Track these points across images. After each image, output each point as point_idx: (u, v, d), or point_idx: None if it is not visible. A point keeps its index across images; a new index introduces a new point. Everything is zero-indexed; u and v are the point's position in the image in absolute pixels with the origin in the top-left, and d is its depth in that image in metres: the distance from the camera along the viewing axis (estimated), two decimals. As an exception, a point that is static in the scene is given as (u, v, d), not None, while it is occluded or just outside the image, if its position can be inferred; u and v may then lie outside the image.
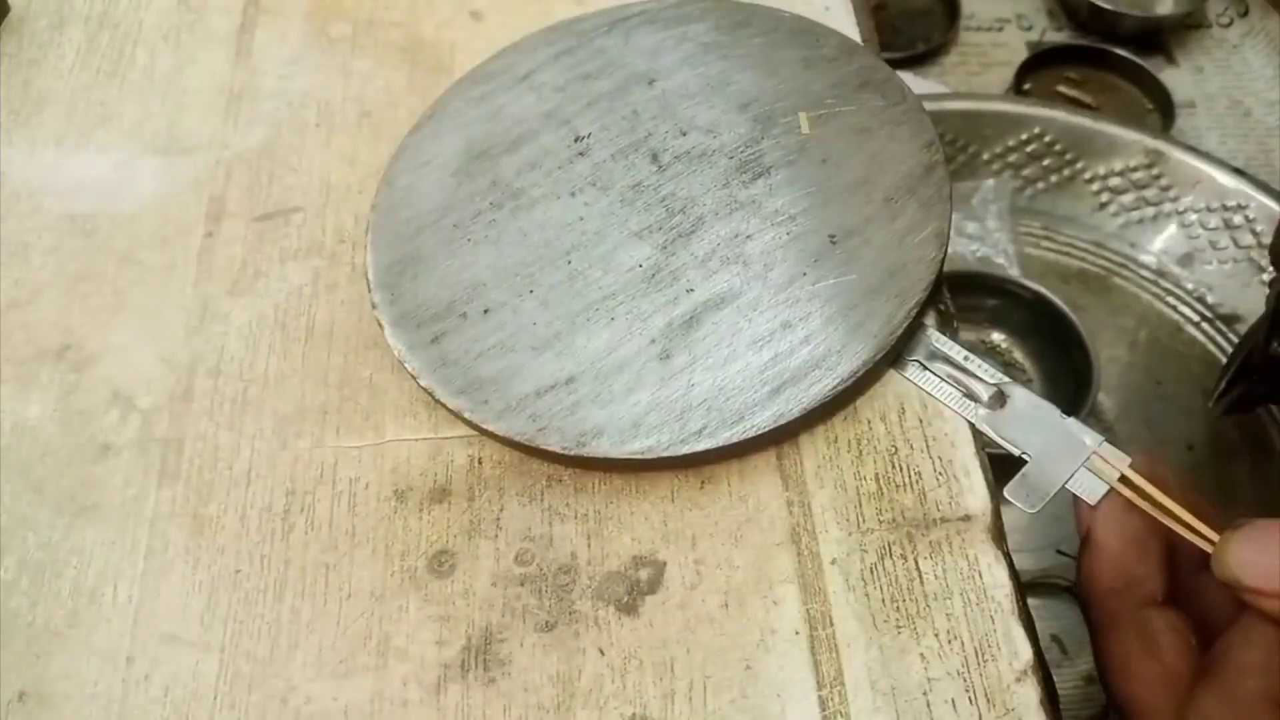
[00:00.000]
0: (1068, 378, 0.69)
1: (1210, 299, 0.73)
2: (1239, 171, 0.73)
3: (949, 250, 0.33)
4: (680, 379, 0.31)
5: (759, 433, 0.30)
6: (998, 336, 0.74)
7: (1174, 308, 0.74)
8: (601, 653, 0.29)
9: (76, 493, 0.33)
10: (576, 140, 0.36)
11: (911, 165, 0.34)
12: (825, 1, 0.41)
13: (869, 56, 0.37)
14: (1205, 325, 0.72)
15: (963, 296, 0.73)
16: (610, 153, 0.36)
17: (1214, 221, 0.74)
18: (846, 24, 0.41)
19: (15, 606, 0.31)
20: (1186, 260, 0.76)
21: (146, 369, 0.35)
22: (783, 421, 0.30)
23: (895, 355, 0.32)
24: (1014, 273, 0.74)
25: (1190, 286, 0.74)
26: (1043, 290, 0.71)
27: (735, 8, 0.39)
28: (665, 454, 0.30)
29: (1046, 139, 0.77)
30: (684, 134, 0.36)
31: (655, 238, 0.33)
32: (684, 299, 0.32)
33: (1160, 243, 0.76)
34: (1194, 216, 0.75)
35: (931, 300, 0.33)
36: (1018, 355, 0.74)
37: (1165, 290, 0.75)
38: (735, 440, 0.30)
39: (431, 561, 0.31)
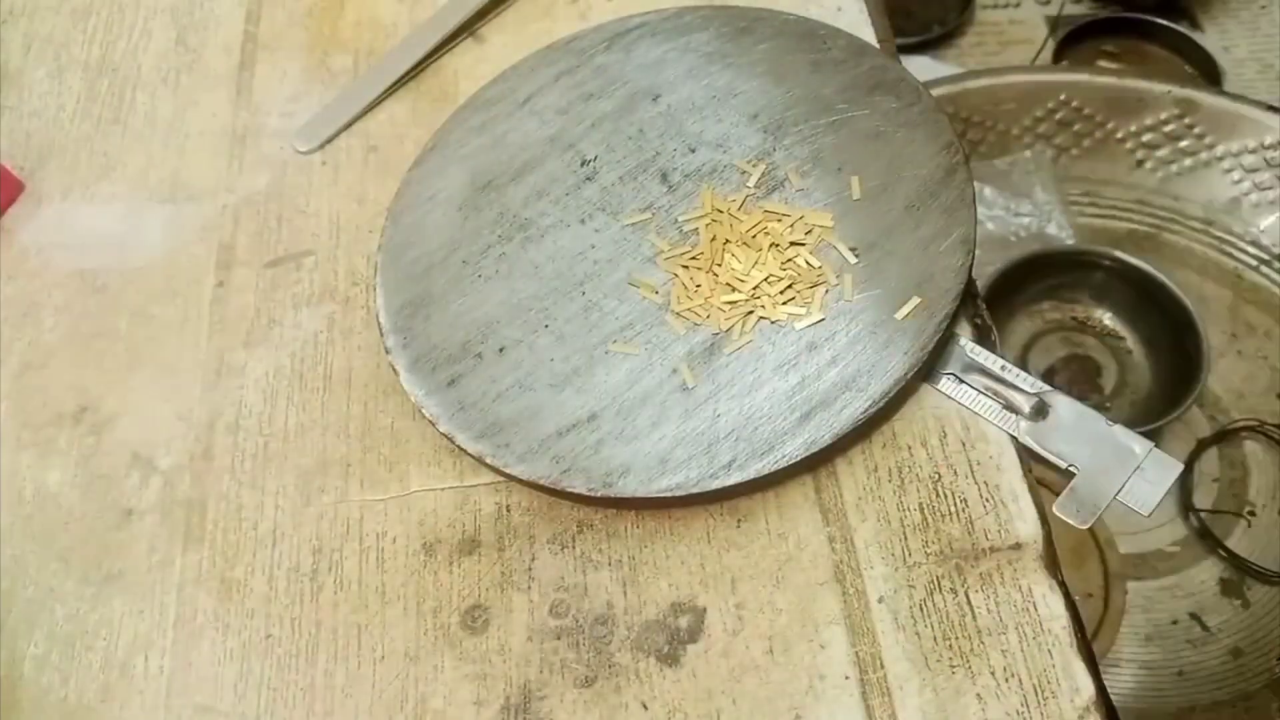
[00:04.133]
0: (1173, 356, 0.67)
1: (1264, 240, 0.71)
2: (1274, 108, 0.71)
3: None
4: (705, 409, 0.30)
5: (791, 462, 0.29)
6: (1101, 314, 0.71)
7: (1229, 255, 0.71)
8: (645, 707, 0.28)
9: (102, 560, 0.32)
10: (583, 164, 0.35)
11: (931, 169, 0.33)
12: (838, 2, 0.40)
13: (880, 57, 0.36)
14: (1265, 268, 0.70)
15: (1063, 274, 0.71)
16: (619, 175, 0.35)
17: (1255, 162, 0.72)
18: (861, 24, 0.39)
19: (47, 683, 0.31)
20: (1233, 205, 0.73)
21: (165, 428, 0.34)
22: (815, 449, 0.29)
23: (928, 371, 0.31)
24: (1068, 240, 0.71)
25: (1240, 230, 0.72)
26: (1146, 268, 0.68)
27: (737, 14, 0.37)
28: (696, 490, 0.29)
29: (1073, 104, 0.75)
30: (693, 150, 0.34)
31: (670, 262, 0.32)
32: (704, 324, 0.31)
33: (1204, 192, 0.74)
34: (1233, 160, 0.72)
35: (962, 310, 0.32)
36: (1125, 335, 0.71)
37: (1217, 239, 0.72)
38: (767, 471, 0.29)
39: (465, 617, 0.30)
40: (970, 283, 0.32)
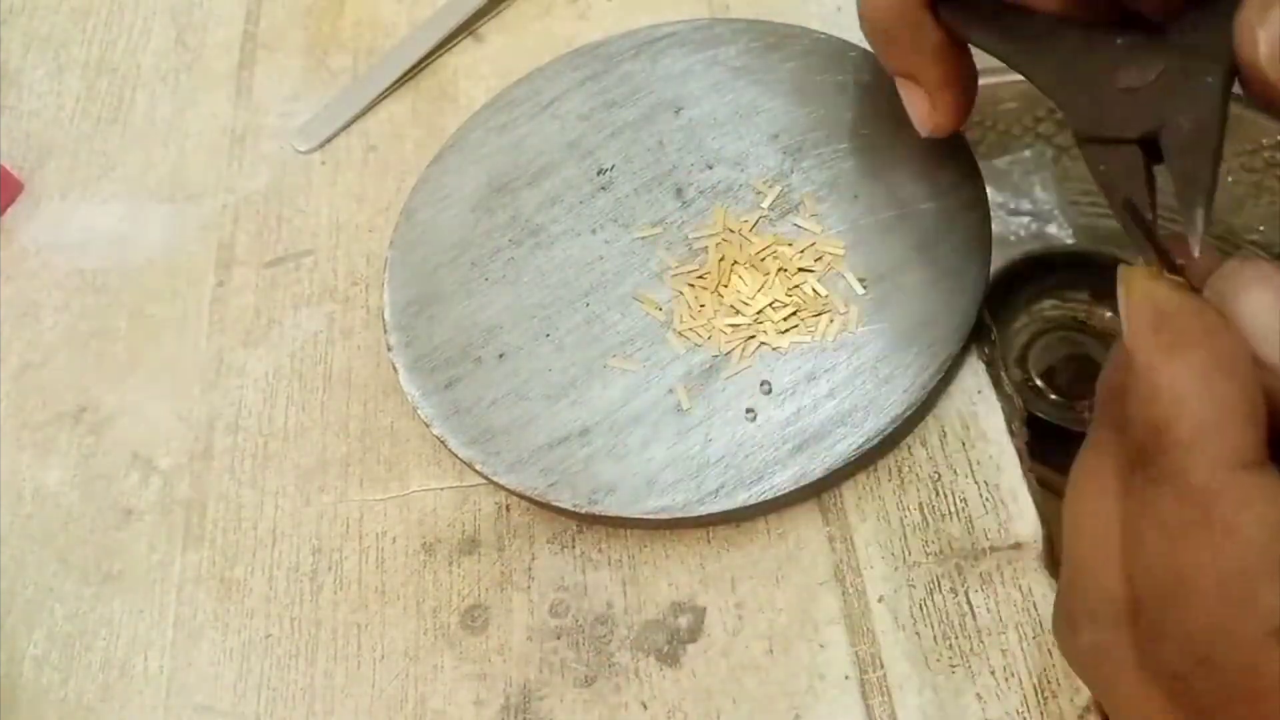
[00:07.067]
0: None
1: (1262, 240, 0.71)
2: (1274, 110, 0.71)
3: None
4: (698, 433, 0.29)
5: (778, 494, 0.28)
6: (1102, 314, 0.71)
7: (1228, 254, 0.71)
8: (644, 706, 0.28)
9: (101, 560, 0.32)
10: (599, 173, 0.35)
11: (951, 204, 0.32)
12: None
13: None
14: (1266, 266, 0.70)
15: (1063, 274, 0.70)
16: (634, 186, 0.34)
17: (1255, 162, 0.72)
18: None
19: (47, 683, 0.31)
20: (1233, 205, 0.73)
21: (165, 428, 0.34)
22: (805, 482, 0.28)
23: (927, 411, 0.30)
24: (1068, 240, 0.71)
25: (1240, 230, 0.72)
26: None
27: (769, 29, 0.36)
28: (680, 515, 0.28)
29: (1072, 103, 0.75)
30: (710, 167, 0.34)
31: (677, 280, 0.32)
32: (704, 345, 0.31)
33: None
34: (1233, 160, 0.72)
35: (968, 350, 0.31)
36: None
37: (1218, 239, 0.72)
38: (754, 502, 0.28)
39: (464, 617, 0.30)
40: (980, 323, 0.31)
